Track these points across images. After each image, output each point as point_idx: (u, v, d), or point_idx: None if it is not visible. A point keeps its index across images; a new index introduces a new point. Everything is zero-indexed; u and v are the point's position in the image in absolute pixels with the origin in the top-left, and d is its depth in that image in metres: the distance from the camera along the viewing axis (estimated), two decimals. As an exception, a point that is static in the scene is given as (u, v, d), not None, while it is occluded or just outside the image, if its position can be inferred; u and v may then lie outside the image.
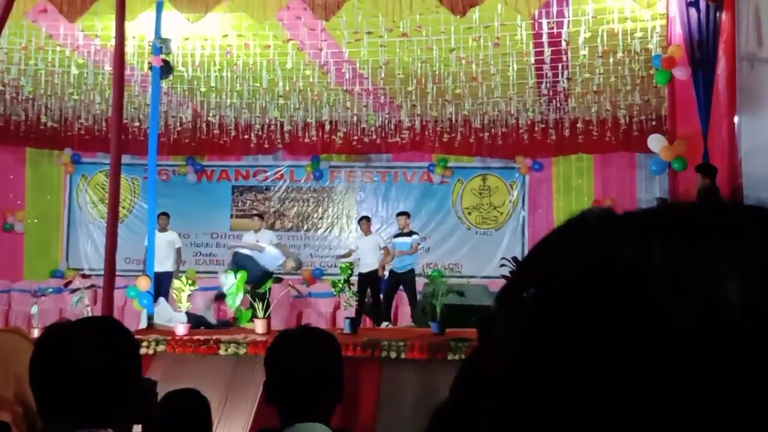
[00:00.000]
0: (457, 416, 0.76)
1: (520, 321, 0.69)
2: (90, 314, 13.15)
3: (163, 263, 16.16)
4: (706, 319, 0.61)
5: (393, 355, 10.87)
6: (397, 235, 17.47)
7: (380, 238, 17.77)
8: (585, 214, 0.73)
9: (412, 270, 16.87)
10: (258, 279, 14.76)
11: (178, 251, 17.32)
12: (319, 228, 22.66)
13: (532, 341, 0.67)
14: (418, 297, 15.82)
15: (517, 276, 0.74)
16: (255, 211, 20.33)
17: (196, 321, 13.62)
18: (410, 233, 17.33)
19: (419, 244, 17.58)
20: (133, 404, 2.54)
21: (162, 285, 14.92)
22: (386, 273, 17.23)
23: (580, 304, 0.64)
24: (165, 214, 17.29)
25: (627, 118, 19.03)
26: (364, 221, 17.93)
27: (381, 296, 16.89)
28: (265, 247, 16.23)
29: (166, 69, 13.95)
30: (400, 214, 17.97)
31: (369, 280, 16.73)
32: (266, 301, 13.17)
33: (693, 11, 12.58)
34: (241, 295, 13.31)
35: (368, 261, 16.87)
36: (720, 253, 0.63)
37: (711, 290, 0.61)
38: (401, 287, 16.98)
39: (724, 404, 0.59)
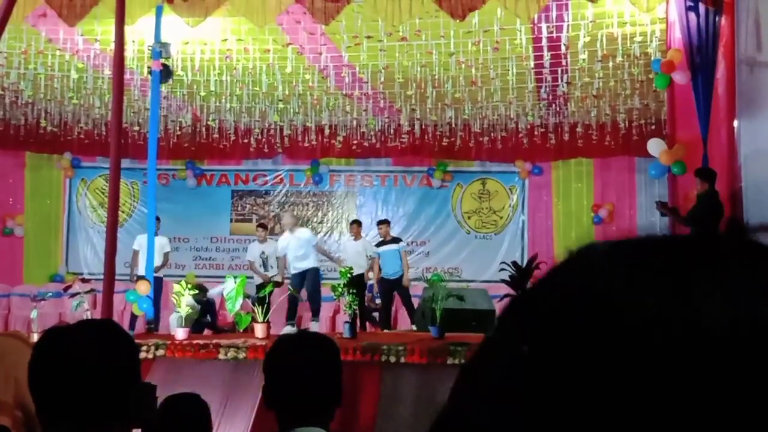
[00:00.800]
0: None
1: (516, 381, 0.69)
2: (90, 318, 13.15)
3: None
4: (697, 363, 0.62)
5: (393, 359, 10.87)
6: (380, 244, 17.38)
7: (369, 245, 17.65)
8: (579, 257, 0.76)
9: (402, 274, 16.89)
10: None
11: (166, 256, 17.21)
12: (319, 232, 22.65)
13: (530, 409, 0.67)
14: (418, 301, 15.79)
15: (511, 327, 0.74)
16: (256, 217, 20.40)
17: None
18: (395, 240, 17.38)
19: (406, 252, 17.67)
20: (133, 408, 2.53)
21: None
22: (372, 281, 17.30)
23: (578, 372, 0.65)
24: (156, 218, 17.29)
25: (626, 122, 19.03)
26: (355, 225, 17.92)
27: (365, 302, 16.91)
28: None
29: (166, 73, 13.95)
30: (380, 222, 17.95)
31: (355, 284, 16.70)
32: (266, 305, 13.17)
33: (692, 15, 12.58)
34: (240, 300, 13.31)
35: (353, 265, 16.80)
36: (708, 295, 0.64)
37: (701, 335, 0.62)
38: (395, 293, 17.01)
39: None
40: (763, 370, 0.61)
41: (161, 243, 16.56)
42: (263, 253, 16.57)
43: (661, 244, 0.71)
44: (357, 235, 17.57)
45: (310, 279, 15.49)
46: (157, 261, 16.23)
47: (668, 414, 0.61)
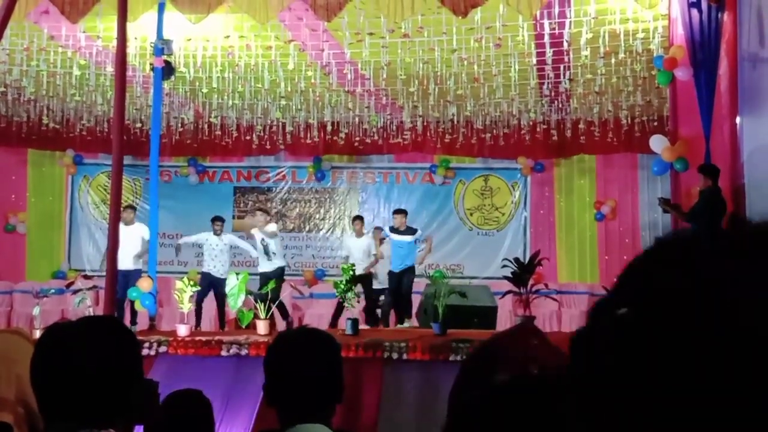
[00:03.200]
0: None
1: (619, 338, 0.71)
2: (92, 315, 13.15)
3: (134, 261, 16.13)
4: None
5: (395, 355, 10.87)
6: (393, 231, 16.88)
7: (372, 242, 17.52)
8: (675, 237, 0.75)
9: (412, 267, 16.68)
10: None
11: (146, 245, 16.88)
12: (321, 229, 22.66)
13: (634, 358, 0.68)
14: (422, 298, 15.73)
15: (611, 297, 0.75)
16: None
17: None
18: (410, 231, 16.90)
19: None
20: (135, 405, 2.53)
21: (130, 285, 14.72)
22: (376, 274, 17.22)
23: (676, 324, 0.66)
24: (130, 206, 17.20)
25: (629, 118, 19.01)
26: (358, 221, 17.77)
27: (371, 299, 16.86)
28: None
29: (168, 70, 13.96)
30: (398, 212, 17.57)
31: (360, 281, 16.65)
32: (279, 301, 13.20)
33: (695, 12, 12.59)
34: (243, 296, 13.31)
35: (356, 263, 16.73)
36: None
37: None
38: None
39: None
40: None
41: (142, 231, 16.34)
42: (263, 240, 16.29)
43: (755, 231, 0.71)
44: (359, 233, 17.44)
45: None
46: (138, 248, 16.12)
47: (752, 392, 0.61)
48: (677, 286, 0.68)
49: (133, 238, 15.97)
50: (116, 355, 2.52)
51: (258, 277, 15.80)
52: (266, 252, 16.03)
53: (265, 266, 16.01)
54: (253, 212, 18.33)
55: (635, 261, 0.75)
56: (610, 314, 0.73)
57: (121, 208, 13.91)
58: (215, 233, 17.14)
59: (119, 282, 13.67)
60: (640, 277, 0.73)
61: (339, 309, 16.19)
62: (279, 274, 15.70)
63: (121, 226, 13.84)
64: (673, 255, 0.73)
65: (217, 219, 17.45)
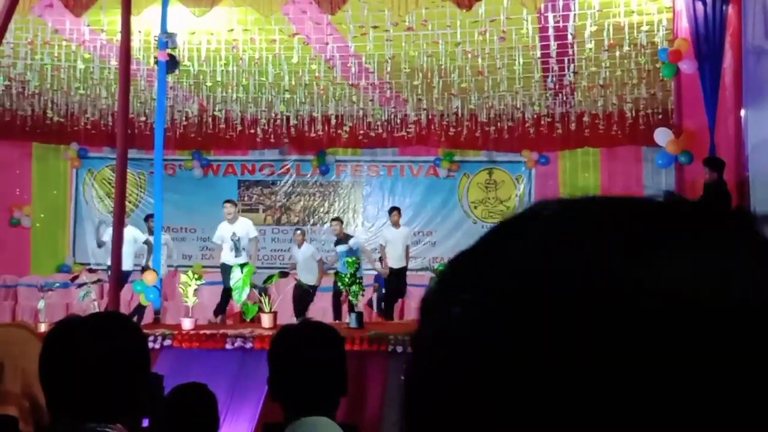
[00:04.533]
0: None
1: (447, 340, 0.68)
2: (97, 309, 13.19)
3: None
4: (634, 330, 0.60)
5: (399, 349, 10.88)
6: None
7: (409, 231, 17.58)
8: (516, 219, 0.72)
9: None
10: None
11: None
12: (326, 222, 22.63)
13: (458, 363, 0.65)
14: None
15: (444, 287, 0.72)
16: (263, 207, 20.44)
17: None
18: (347, 237, 17.22)
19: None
20: (142, 399, 2.54)
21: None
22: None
23: (504, 329, 0.63)
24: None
25: (633, 111, 19.00)
26: (396, 213, 17.67)
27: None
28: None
29: (172, 63, 13.96)
30: (392, 209, 17.84)
31: (396, 276, 16.69)
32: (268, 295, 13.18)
33: (699, 4, 12.56)
34: (247, 290, 13.33)
35: (397, 255, 16.74)
36: (665, 262, 0.62)
37: (637, 303, 0.60)
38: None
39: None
40: (714, 342, 0.59)
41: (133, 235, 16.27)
42: (234, 234, 16.00)
43: (617, 208, 0.68)
44: (396, 223, 17.38)
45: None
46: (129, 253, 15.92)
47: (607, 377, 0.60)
48: (507, 284, 0.65)
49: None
50: (123, 351, 2.53)
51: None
52: (236, 247, 15.78)
53: (229, 258, 15.78)
54: (262, 201, 18.20)
55: (475, 247, 0.71)
56: (441, 311, 0.70)
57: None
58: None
59: None
60: (474, 267, 0.69)
61: (338, 301, 16.19)
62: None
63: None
64: (507, 242, 0.69)
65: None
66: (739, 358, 0.59)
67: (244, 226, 16.09)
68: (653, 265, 0.62)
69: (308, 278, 16.65)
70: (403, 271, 16.78)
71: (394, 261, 16.75)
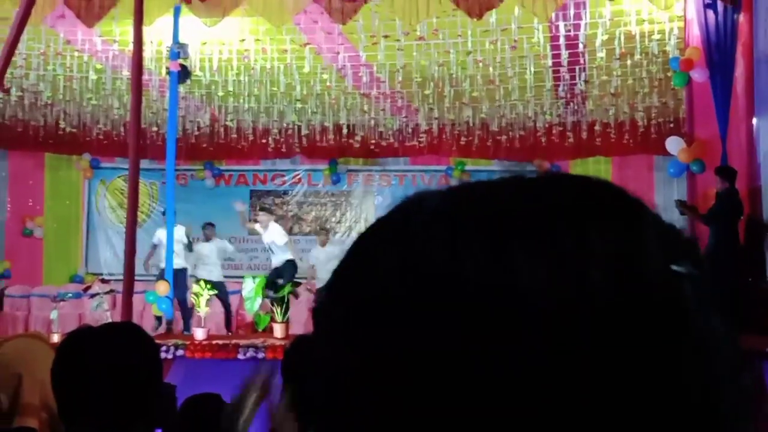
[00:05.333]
0: None
1: (330, 345, 0.68)
2: (109, 319, 13.21)
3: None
4: (512, 321, 0.59)
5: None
6: None
7: None
8: (406, 206, 0.73)
9: None
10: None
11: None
12: (337, 232, 22.64)
13: (341, 370, 0.66)
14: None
15: (330, 290, 0.71)
16: (274, 218, 20.44)
17: None
18: None
19: None
20: (155, 410, 2.55)
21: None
22: None
23: (378, 335, 0.63)
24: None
25: (645, 120, 18.98)
26: None
27: None
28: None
29: (184, 74, 14.00)
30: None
31: None
32: (285, 305, 13.17)
33: (710, 13, 12.55)
34: (259, 300, 13.34)
35: None
36: (527, 253, 0.61)
37: (518, 292, 0.60)
38: None
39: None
40: (579, 339, 0.59)
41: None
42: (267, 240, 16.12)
43: (488, 198, 0.68)
44: None
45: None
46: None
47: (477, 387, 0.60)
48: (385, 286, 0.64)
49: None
50: (136, 361, 2.53)
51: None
52: (272, 250, 15.99)
53: (274, 261, 15.99)
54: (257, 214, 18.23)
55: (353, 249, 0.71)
56: (327, 314, 0.70)
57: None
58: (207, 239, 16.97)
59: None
60: (354, 269, 0.69)
61: None
62: (289, 268, 15.57)
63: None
64: (383, 232, 0.70)
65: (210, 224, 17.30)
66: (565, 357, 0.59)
67: (273, 233, 16.15)
68: (508, 265, 0.61)
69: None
70: None
71: None
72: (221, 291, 15.54)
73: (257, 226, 16.41)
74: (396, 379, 0.62)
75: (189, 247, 16.08)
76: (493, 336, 0.60)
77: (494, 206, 0.66)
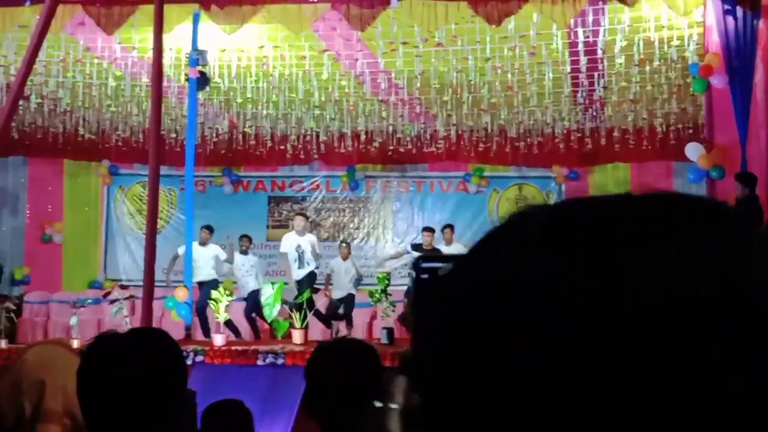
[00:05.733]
0: None
1: (433, 340, 0.70)
2: (129, 325, 13.24)
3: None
4: (618, 330, 0.61)
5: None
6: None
7: (461, 247, 17.48)
8: (515, 220, 0.75)
9: None
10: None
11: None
12: (355, 238, 22.63)
13: (445, 364, 0.68)
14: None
15: (435, 285, 0.75)
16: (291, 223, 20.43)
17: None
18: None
19: None
20: (179, 416, 2.55)
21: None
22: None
23: (496, 323, 0.65)
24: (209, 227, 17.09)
25: (664, 126, 18.92)
26: (448, 230, 17.48)
27: None
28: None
29: (203, 80, 14.04)
30: (445, 227, 17.61)
31: None
32: (304, 311, 13.16)
33: (730, 19, 12.53)
34: (278, 306, 13.35)
35: None
36: (631, 264, 0.63)
37: (623, 302, 0.62)
38: None
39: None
40: (680, 352, 0.61)
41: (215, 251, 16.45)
42: (299, 246, 16.08)
43: (592, 211, 0.70)
44: (450, 240, 17.20)
45: None
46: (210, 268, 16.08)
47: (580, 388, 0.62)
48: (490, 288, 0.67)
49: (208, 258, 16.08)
50: (164, 368, 2.54)
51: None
52: (300, 259, 15.89)
53: (297, 274, 15.90)
54: (292, 217, 18.24)
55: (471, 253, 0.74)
56: (430, 310, 0.73)
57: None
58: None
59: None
60: (463, 269, 0.72)
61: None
62: (310, 281, 15.59)
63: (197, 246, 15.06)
64: (493, 245, 0.72)
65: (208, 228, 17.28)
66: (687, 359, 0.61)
67: (310, 241, 16.09)
68: (628, 272, 0.63)
69: (340, 293, 16.59)
70: None
71: None
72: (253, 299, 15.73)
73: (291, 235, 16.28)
74: (508, 376, 0.64)
75: (230, 260, 16.17)
76: (600, 340, 0.62)
77: (601, 218, 0.68)
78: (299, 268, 15.67)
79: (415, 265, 0.93)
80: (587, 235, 0.66)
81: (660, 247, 0.64)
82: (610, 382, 0.61)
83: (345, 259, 17.26)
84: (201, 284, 15.34)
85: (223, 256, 16.23)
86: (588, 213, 0.70)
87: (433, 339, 0.70)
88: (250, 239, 17.26)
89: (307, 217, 17.28)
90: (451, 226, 17.67)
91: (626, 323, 0.61)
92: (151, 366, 2.50)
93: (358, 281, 16.90)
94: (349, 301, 16.33)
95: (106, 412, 2.48)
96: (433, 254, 14.05)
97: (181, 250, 15.68)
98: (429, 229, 17.09)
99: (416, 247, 16.80)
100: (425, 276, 0.90)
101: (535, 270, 0.65)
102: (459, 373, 0.66)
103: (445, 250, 16.74)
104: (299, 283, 15.34)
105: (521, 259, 0.67)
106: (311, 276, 15.67)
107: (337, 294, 16.40)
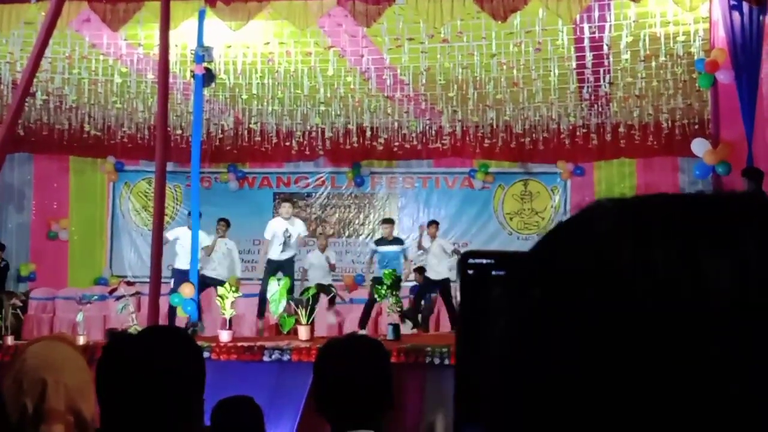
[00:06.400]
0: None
1: (527, 322, 0.70)
2: (135, 321, 13.24)
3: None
4: (701, 319, 0.62)
5: (437, 361, 10.86)
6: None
7: (446, 242, 17.54)
8: (591, 210, 0.74)
9: (448, 279, 16.70)
10: None
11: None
12: (361, 234, 22.66)
13: (540, 343, 0.68)
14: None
15: (524, 271, 0.74)
16: (297, 218, 20.46)
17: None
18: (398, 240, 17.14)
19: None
20: (198, 415, 2.56)
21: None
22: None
23: (585, 311, 0.66)
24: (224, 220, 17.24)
25: (669, 122, 18.87)
26: (433, 225, 17.47)
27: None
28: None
29: (209, 77, 14.03)
30: (430, 223, 17.82)
31: (438, 287, 16.67)
32: (310, 308, 13.16)
33: (736, 14, 12.50)
34: (284, 302, 13.35)
35: (438, 267, 16.67)
36: (714, 255, 0.64)
37: (706, 292, 0.62)
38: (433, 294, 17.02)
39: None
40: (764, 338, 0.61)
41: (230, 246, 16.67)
42: (287, 230, 16.15)
43: (671, 205, 0.70)
44: (434, 235, 17.22)
45: None
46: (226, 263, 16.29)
47: (663, 373, 0.62)
48: (574, 268, 0.68)
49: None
50: (183, 366, 2.54)
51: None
52: (286, 243, 15.99)
53: (276, 254, 16.08)
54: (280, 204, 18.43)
55: (551, 234, 0.75)
56: (520, 293, 0.73)
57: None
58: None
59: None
60: (553, 254, 0.73)
61: (367, 312, 16.14)
62: (290, 266, 16.03)
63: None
64: (573, 234, 0.72)
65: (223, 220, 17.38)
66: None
67: (299, 227, 16.39)
68: (724, 261, 0.64)
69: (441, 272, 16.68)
70: (446, 282, 16.63)
71: (436, 273, 16.68)
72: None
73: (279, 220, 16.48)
74: (588, 364, 0.65)
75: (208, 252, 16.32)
76: (679, 330, 0.62)
77: (679, 212, 0.69)
78: (282, 251, 15.98)
79: (462, 261, 0.93)
80: (674, 230, 0.66)
81: (745, 246, 0.64)
82: (704, 375, 0.61)
83: (323, 251, 17.42)
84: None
85: (236, 252, 16.49)
86: (670, 207, 0.70)
87: (534, 322, 0.70)
88: (227, 223, 17.27)
89: (293, 203, 17.47)
90: (435, 222, 17.80)
91: (715, 321, 0.62)
92: (171, 364, 2.51)
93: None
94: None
95: (127, 409, 2.48)
96: (479, 250, 14.04)
97: (170, 235, 15.79)
98: (389, 221, 17.61)
99: (379, 241, 16.89)
100: (471, 272, 0.91)
101: (632, 262, 0.66)
102: (571, 357, 0.66)
103: (429, 244, 16.92)
104: (280, 265, 15.50)
105: (611, 251, 0.67)
106: (291, 261, 15.86)
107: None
